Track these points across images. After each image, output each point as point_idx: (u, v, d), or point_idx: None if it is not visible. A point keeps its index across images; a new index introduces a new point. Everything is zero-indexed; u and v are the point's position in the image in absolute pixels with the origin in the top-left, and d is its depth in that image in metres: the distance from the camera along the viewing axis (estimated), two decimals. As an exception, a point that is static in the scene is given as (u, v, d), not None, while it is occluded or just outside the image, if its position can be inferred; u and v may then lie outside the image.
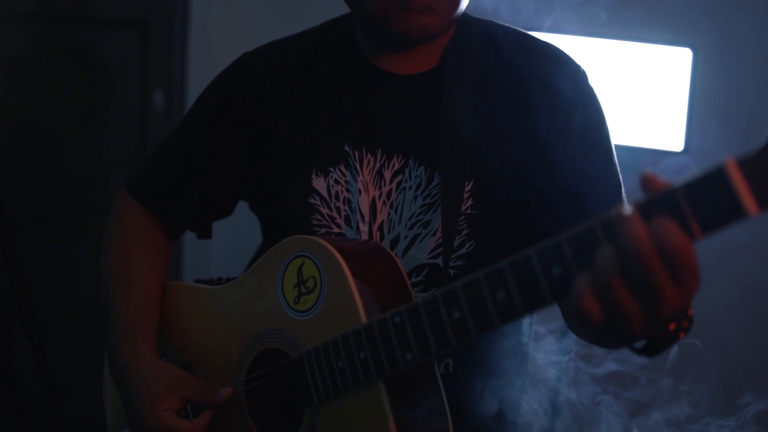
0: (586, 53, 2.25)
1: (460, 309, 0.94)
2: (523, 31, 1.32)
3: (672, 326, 0.94)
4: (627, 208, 0.78)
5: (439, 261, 1.24)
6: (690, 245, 0.76)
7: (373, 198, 1.28)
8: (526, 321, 1.37)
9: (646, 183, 0.79)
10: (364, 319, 1.09)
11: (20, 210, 2.29)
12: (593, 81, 1.28)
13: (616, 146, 1.27)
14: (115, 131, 2.59)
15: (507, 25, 1.33)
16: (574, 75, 1.26)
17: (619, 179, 1.24)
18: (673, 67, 2.23)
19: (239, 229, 1.87)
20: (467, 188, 1.23)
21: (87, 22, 2.47)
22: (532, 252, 0.85)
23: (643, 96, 2.24)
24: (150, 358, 1.30)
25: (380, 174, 1.28)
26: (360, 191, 1.28)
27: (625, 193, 1.24)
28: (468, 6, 1.26)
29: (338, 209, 1.29)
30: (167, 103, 2.70)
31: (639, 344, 0.98)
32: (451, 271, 1.25)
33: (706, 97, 2.26)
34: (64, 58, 2.42)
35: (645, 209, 0.78)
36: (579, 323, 0.83)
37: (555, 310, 1.22)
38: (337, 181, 1.29)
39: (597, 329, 0.81)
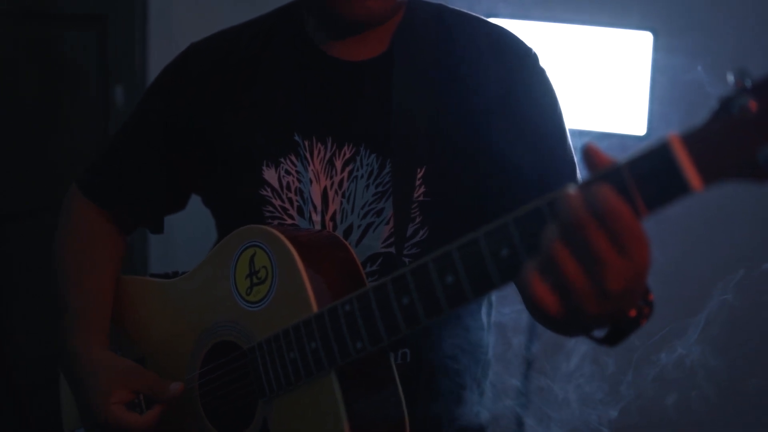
0: (546, 39, 2.24)
1: (409, 294, 0.93)
2: (473, 14, 1.32)
3: (633, 313, 0.92)
4: (571, 186, 0.78)
5: (393, 250, 1.23)
6: (625, 207, 0.75)
7: (325, 188, 1.26)
8: (484, 304, 1.37)
9: (590, 158, 0.78)
10: (315, 309, 1.08)
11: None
12: (544, 63, 1.27)
13: (579, 132, 1.27)
14: (77, 128, 2.57)
15: (457, 9, 1.32)
16: (524, 57, 1.26)
17: (574, 162, 1.24)
18: (634, 50, 2.23)
19: (206, 222, 1.86)
20: (419, 175, 1.22)
21: (45, 17, 2.44)
22: (479, 234, 0.85)
23: (605, 81, 2.24)
24: (100, 350, 1.29)
25: (331, 163, 1.26)
26: (311, 181, 1.26)
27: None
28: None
29: (290, 200, 1.27)
30: (128, 98, 2.68)
31: (600, 333, 0.97)
32: (406, 260, 1.24)
33: (667, 80, 2.26)
34: (21, 55, 2.39)
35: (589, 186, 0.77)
36: (534, 310, 0.83)
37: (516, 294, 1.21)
38: (288, 172, 1.27)
39: (552, 314, 0.80)
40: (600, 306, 0.79)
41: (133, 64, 2.71)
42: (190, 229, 1.60)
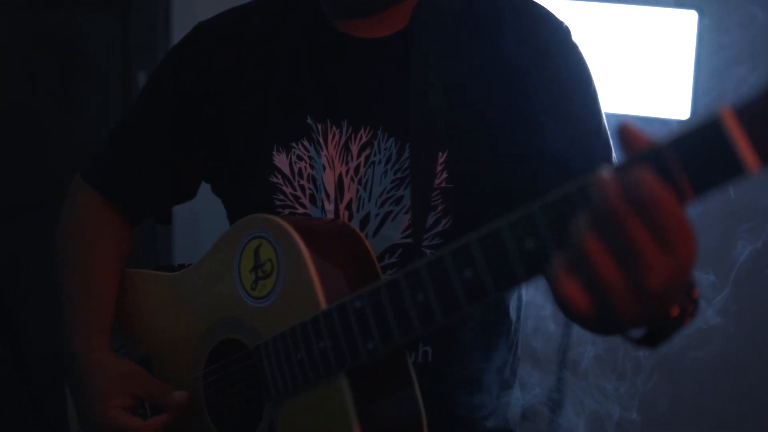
0: (583, 18, 2.14)
1: (424, 290, 0.85)
2: None
3: (675, 311, 0.83)
4: (605, 169, 0.68)
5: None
6: (669, 194, 0.65)
7: (340, 174, 1.18)
8: (513, 298, 1.28)
9: (626, 138, 0.68)
10: (323, 305, 1.00)
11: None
12: (577, 38, 1.18)
13: (618, 116, 1.18)
14: (98, 115, 2.52)
15: None
16: (556, 31, 1.17)
17: (609, 145, 1.15)
18: (678, 30, 2.11)
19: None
20: (441, 160, 1.14)
21: (64, 3, 2.39)
22: (502, 224, 0.76)
23: (647, 62, 2.13)
24: (102, 351, 1.22)
25: (347, 148, 1.18)
26: (324, 167, 1.18)
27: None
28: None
29: (302, 188, 1.19)
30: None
31: (637, 333, 0.87)
32: (427, 251, 1.15)
33: (712, 62, 2.14)
34: (40, 42, 2.35)
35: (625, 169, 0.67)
36: (563, 308, 0.73)
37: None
38: (300, 157, 1.19)
39: (582, 314, 0.71)
40: (637, 305, 0.69)
41: (157, 49, 2.66)
42: (216, 216, 1.53)
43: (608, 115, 1.19)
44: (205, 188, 1.36)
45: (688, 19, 2.11)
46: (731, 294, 1.24)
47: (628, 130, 0.68)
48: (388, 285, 0.90)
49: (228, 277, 1.12)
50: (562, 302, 0.70)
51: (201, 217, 2.43)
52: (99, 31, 2.52)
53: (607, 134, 1.16)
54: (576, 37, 1.18)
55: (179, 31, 2.67)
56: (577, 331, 2.15)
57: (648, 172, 0.65)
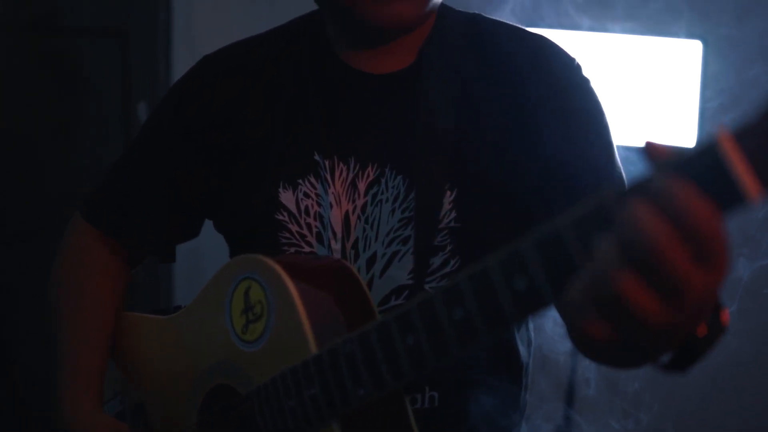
0: (589, 49, 2.13)
1: (414, 333, 0.81)
2: (510, 23, 1.21)
3: (702, 331, 0.78)
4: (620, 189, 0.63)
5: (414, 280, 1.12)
6: (708, 205, 0.59)
7: (347, 212, 1.15)
8: (524, 341, 1.24)
9: (652, 153, 0.63)
10: (314, 349, 0.96)
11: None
12: (588, 73, 1.16)
13: (624, 147, 1.15)
14: (97, 145, 2.50)
15: (493, 18, 1.21)
16: (566, 66, 1.15)
17: (623, 178, 1.12)
18: (683, 60, 2.10)
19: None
20: (449, 199, 1.11)
21: (64, 30, 2.38)
22: (492, 261, 0.72)
23: (653, 91, 2.11)
24: (91, 413, 1.19)
25: (354, 185, 1.15)
26: (331, 205, 1.15)
27: None
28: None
29: (309, 226, 1.16)
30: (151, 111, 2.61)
31: (663, 359, 0.83)
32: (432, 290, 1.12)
33: (718, 91, 2.13)
34: (40, 69, 2.33)
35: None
36: (582, 344, 0.69)
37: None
38: (306, 195, 1.16)
39: (609, 351, 0.67)
40: (669, 331, 0.64)
41: (157, 78, 2.64)
42: (218, 255, 1.50)
43: (618, 147, 1.17)
44: (206, 225, 1.34)
45: (694, 49, 2.10)
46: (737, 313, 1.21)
47: (653, 145, 0.63)
48: (378, 328, 0.86)
49: (219, 320, 1.08)
50: (582, 337, 0.66)
51: (203, 255, 2.40)
52: (99, 60, 2.50)
53: (620, 169, 1.13)
54: (587, 72, 1.16)
55: (179, 60, 2.66)
56: (583, 365, 2.12)
57: (683, 182, 0.59)
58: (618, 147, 1.19)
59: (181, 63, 2.65)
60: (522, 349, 1.22)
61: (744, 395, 2.45)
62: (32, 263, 2.31)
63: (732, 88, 2.16)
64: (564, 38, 2.13)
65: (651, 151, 0.62)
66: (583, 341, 0.68)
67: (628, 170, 1.16)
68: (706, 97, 2.10)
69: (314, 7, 1.21)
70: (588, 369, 2.07)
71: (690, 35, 2.12)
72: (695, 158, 0.60)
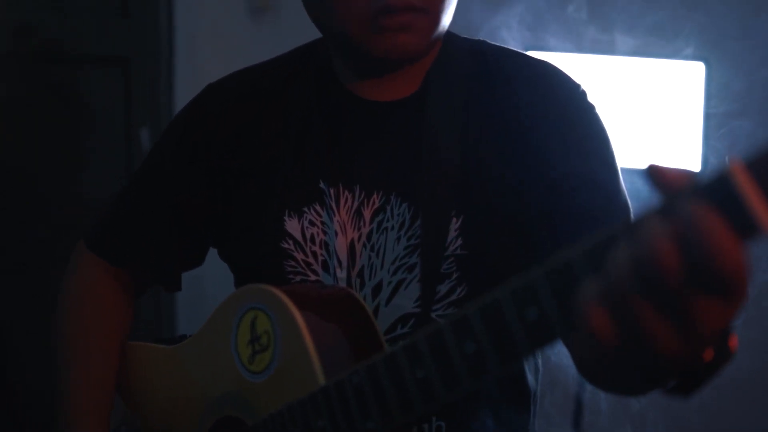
0: (594, 72, 2.13)
1: (423, 366, 0.79)
2: (515, 50, 1.21)
3: (709, 355, 0.76)
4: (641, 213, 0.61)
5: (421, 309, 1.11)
6: (729, 229, 0.56)
7: (352, 240, 1.15)
8: (531, 368, 1.23)
9: (658, 178, 0.60)
10: (322, 381, 0.95)
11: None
12: (593, 99, 1.16)
13: (628, 170, 1.15)
14: (99, 172, 2.50)
15: (498, 45, 1.21)
16: (572, 92, 1.15)
17: (628, 206, 1.12)
18: (686, 82, 2.10)
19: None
20: (455, 226, 1.11)
21: (66, 59, 2.39)
22: (504, 293, 0.70)
23: (656, 114, 2.11)
24: None
25: (359, 213, 1.15)
26: (337, 233, 1.14)
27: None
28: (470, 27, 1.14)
29: (314, 254, 1.16)
30: (154, 140, 2.61)
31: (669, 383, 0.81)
32: (440, 321, 1.11)
33: (722, 113, 2.12)
34: (42, 98, 2.34)
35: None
36: (588, 353, 0.67)
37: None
38: (312, 223, 1.16)
39: (614, 373, 0.65)
40: (681, 357, 0.62)
41: (159, 104, 2.64)
42: (221, 282, 1.50)
43: (621, 170, 1.17)
44: (208, 252, 1.33)
45: (696, 70, 2.10)
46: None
47: (658, 170, 0.61)
48: (386, 360, 0.84)
49: (225, 350, 1.07)
50: (586, 337, 0.63)
51: (206, 283, 2.39)
52: (101, 88, 2.51)
53: (625, 196, 1.13)
54: (592, 98, 1.16)
55: (182, 86, 2.67)
56: (590, 388, 2.11)
57: (703, 206, 0.57)
58: (623, 169, 1.19)
59: (184, 89, 2.66)
60: (530, 378, 1.21)
61: (751, 412, 2.43)
62: (35, 292, 2.31)
63: (736, 109, 2.16)
64: (567, 61, 2.13)
65: (656, 175, 0.61)
66: (587, 354, 0.66)
67: (632, 193, 1.16)
68: (709, 118, 2.10)
69: (318, 35, 1.20)
70: (596, 392, 2.06)
71: (692, 57, 2.12)
72: (707, 187, 0.58)
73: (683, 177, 0.60)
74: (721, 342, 0.76)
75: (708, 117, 2.09)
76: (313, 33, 1.19)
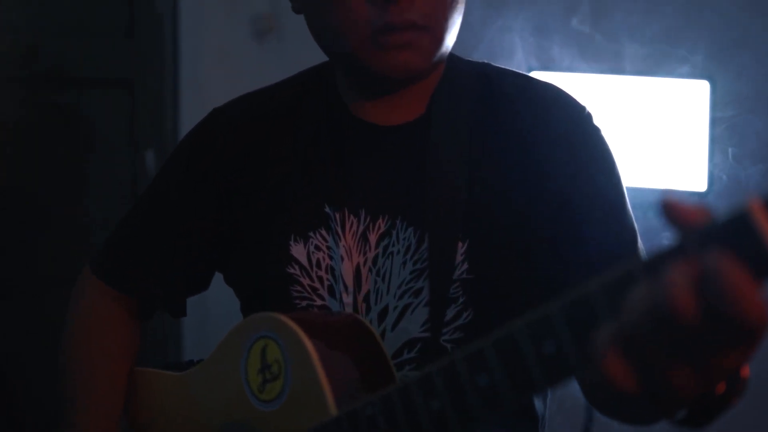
0: (598, 91, 2.13)
1: (437, 398, 0.79)
2: (520, 72, 1.21)
3: (721, 389, 0.76)
4: (665, 254, 0.60)
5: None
6: (750, 280, 0.56)
7: (358, 265, 1.14)
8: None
9: (673, 214, 0.60)
10: (333, 410, 0.94)
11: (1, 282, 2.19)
12: (598, 121, 1.16)
13: (635, 189, 1.14)
14: (104, 195, 2.50)
15: (503, 67, 1.21)
16: (578, 115, 1.15)
17: (634, 229, 1.12)
18: (691, 100, 2.09)
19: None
20: (461, 250, 1.10)
21: (71, 82, 2.39)
22: (518, 326, 0.70)
23: (661, 133, 2.11)
24: None
25: (365, 238, 1.14)
26: (342, 258, 1.14)
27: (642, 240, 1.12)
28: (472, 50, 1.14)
29: (320, 279, 1.15)
30: (159, 163, 2.61)
31: (680, 415, 0.81)
32: (448, 345, 1.11)
33: (727, 132, 2.12)
34: (47, 120, 2.34)
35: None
36: (601, 391, 0.66)
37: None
38: (318, 247, 1.15)
39: (625, 403, 0.65)
40: (691, 393, 0.62)
41: (164, 126, 2.65)
42: (226, 307, 1.49)
43: (626, 189, 1.16)
44: (214, 276, 1.33)
45: (700, 89, 2.10)
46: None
47: (673, 206, 0.60)
48: (400, 391, 0.84)
49: (235, 378, 1.07)
50: (602, 381, 0.63)
51: (211, 307, 2.38)
52: (106, 110, 2.51)
53: (632, 219, 1.12)
54: (597, 120, 1.16)
55: (186, 108, 2.67)
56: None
57: (721, 250, 0.56)
58: (629, 188, 1.19)
59: (189, 111, 2.66)
60: (538, 403, 1.20)
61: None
62: (40, 317, 2.30)
63: (740, 125, 2.15)
64: (571, 81, 2.13)
65: (670, 210, 0.60)
66: (599, 390, 0.65)
67: (638, 213, 1.15)
68: (714, 136, 2.09)
69: (322, 58, 1.20)
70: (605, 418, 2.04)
71: (697, 75, 2.12)
72: (725, 227, 0.57)
73: (698, 213, 0.59)
74: (734, 375, 0.76)
75: (713, 135, 2.09)
76: (316, 54, 1.19)
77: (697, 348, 0.58)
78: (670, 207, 0.60)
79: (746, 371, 0.79)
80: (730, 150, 2.12)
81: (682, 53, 2.19)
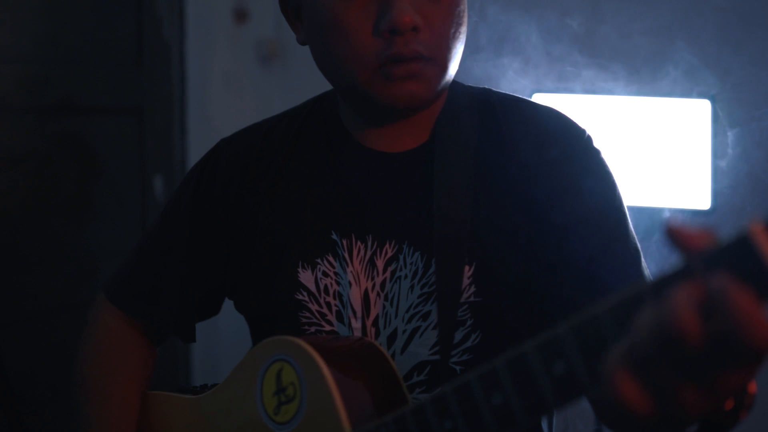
0: (599, 111, 2.14)
1: (451, 417, 0.81)
2: (520, 96, 1.23)
3: (730, 404, 0.78)
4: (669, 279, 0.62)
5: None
6: (755, 303, 0.58)
7: (366, 290, 1.16)
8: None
9: (678, 238, 0.62)
10: (348, 431, 0.96)
11: (13, 308, 2.21)
12: (599, 144, 1.18)
13: (638, 209, 1.16)
14: (113, 221, 2.52)
15: (504, 93, 1.23)
16: (578, 139, 1.17)
17: (637, 250, 1.13)
18: (692, 120, 2.11)
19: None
20: (468, 274, 1.12)
21: (80, 110, 2.42)
22: (530, 347, 0.72)
23: (663, 152, 2.12)
24: None
25: (372, 263, 1.16)
26: (350, 283, 1.16)
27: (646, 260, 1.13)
28: (474, 73, 1.16)
29: (328, 304, 1.17)
30: (168, 188, 2.63)
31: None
32: (457, 368, 1.12)
33: (730, 150, 2.13)
34: (57, 149, 2.37)
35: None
36: (611, 411, 0.68)
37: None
38: (325, 274, 1.18)
39: (635, 422, 0.66)
40: (699, 411, 0.64)
41: (173, 153, 2.67)
42: (236, 332, 1.51)
43: (629, 209, 1.18)
44: (225, 304, 1.35)
45: (702, 108, 2.11)
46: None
47: (677, 231, 0.62)
48: (414, 412, 0.86)
49: (250, 400, 1.09)
50: (614, 404, 0.65)
51: (221, 331, 2.40)
52: (115, 137, 2.54)
53: (634, 239, 1.14)
54: (597, 143, 1.18)
55: (195, 135, 2.70)
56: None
57: (725, 274, 0.58)
58: (632, 208, 1.20)
59: (197, 138, 2.69)
60: (544, 426, 1.21)
61: None
62: (51, 342, 2.32)
63: (744, 143, 2.16)
64: (567, 103, 2.15)
65: (674, 236, 0.62)
66: (611, 410, 0.67)
67: (642, 233, 1.16)
68: (717, 155, 2.11)
69: (327, 83, 1.23)
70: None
71: (699, 95, 2.14)
72: (728, 250, 0.59)
73: (702, 236, 0.61)
74: (741, 391, 0.78)
75: (716, 153, 2.10)
76: (321, 78, 1.21)
77: (703, 367, 0.60)
78: (675, 231, 0.62)
79: (753, 387, 0.80)
80: (733, 167, 2.13)
81: (683, 73, 2.21)
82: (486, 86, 1.25)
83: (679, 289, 0.60)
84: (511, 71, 2.18)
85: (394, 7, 1.05)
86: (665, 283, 0.62)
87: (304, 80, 2.44)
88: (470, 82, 1.25)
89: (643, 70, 2.22)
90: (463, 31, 1.12)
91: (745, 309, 0.57)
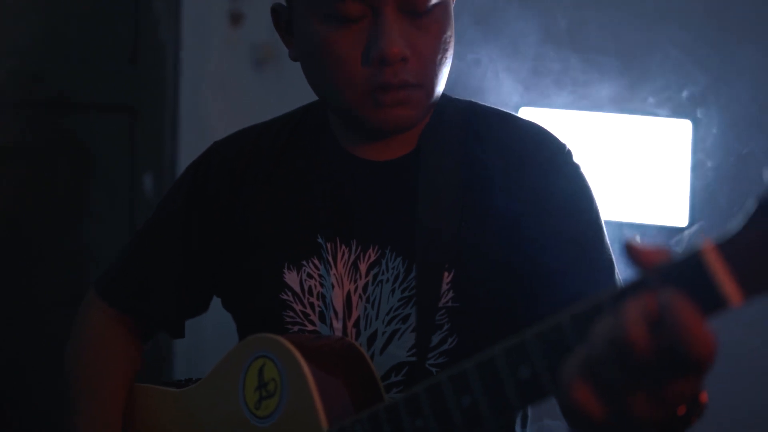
0: (582, 128, 2.19)
1: (422, 416, 0.85)
2: (504, 110, 1.27)
3: (682, 410, 0.83)
4: (623, 291, 0.68)
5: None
6: (698, 315, 0.63)
7: (348, 292, 1.20)
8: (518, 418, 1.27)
9: (635, 256, 0.67)
10: (325, 427, 1.00)
11: (2, 304, 2.22)
12: (578, 158, 1.22)
13: (618, 224, 1.20)
14: (103, 216, 2.54)
15: (489, 106, 1.27)
16: (558, 152, 1.20)
17: (612, 262, 1.17)
18: (673, 139, 2.16)
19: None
20: (447, 280, 1.16)
21: (73, 107, 2.44)
22: (498, 351, 0.77)
23: (644, 170, 2.17)
24: None
25: (355, 266, 1.20)
26: (333, 286, 1.20)
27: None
28: (460, 85, 1.21)
29: (312, 305, 1.21)
30: (157, 187, 2.66)
31: None
32: (434, 370, 1.16)
33: (709, 169, 2.19)
34: (48, 145, 2.39)
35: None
36: (572, 417, 0.73)
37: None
38: (310, 275, 1.22)
39: (594, 423, 0.71)
40: (654, 420, 0.69)
41: (163, 152, 2.70)
42: (217, 331, 1.54)
43: (608, 223, 1.22)
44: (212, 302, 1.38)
45: (683, 128, 2.16)
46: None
47: (634, 248, 0.67)
48: (387, 409, 0.90)
49: (233, 395, 1.13)
50: (571, 409, 0.70)
51: (206, 327, 2.42)
52: (106, 134, 2.56)
53: (609, 252, 1.18)
54: (577, 157, 1.22)
55: (186, 134, 2.72)
56: None
57: (673, 290, 0.63)
58: (611, 222, 1.24)
59: (188, 137, 2.71)
60: (518, 428, 1.25)
61: None
62: (40, 337, 2.34)
63: (722, 164, 2.22)
64: (552, 118, 2.20)
65: (632, 251, 0.67)
66: (571, 414, 0.72)
67: (620, 247, 1.20)
68: (697, 175, 2.16)
69: None
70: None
71: (680, 114, 2.19)
72: (680, 266, 0.64)
73: (658, 254, 0.67)
74: (692, 399, 0.82)
75: (695, 171, 2.15)
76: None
77: (653, 376, 0.65)
78: (632, 248, 0.67)
79: (704, 397, 0.85)
80: (711, 186, 2.18)
81: (665, 93, 2.26)
82: (472, 99, 1.29)
83: (631, 301, 0.65)
84: (498, 85, 2.22)
85: (383, 37, 1.09)
86: (622, 295, 0.67)
87: (297, 85, 2.47)
88: (457, 94, 1.29)
89: (627, 89, 2.26)
90: (450, 55, 1.17)
91: (689, 323, 0.62)
